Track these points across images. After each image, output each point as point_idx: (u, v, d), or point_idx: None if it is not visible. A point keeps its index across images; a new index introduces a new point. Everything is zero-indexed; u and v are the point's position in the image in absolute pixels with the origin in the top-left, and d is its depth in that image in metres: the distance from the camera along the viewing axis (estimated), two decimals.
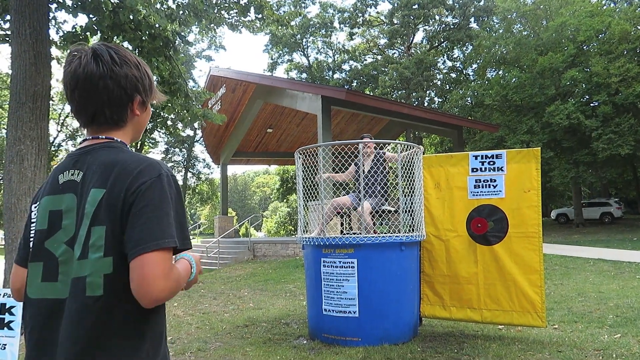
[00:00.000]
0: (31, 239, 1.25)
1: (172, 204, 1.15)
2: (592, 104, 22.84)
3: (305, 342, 4.93)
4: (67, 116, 32.94)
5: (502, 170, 4.98)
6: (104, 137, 1.25)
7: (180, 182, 38.40)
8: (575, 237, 19.96)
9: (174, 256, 1.24)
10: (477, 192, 5.07)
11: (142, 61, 1.30)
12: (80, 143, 1.28)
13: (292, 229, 34.99)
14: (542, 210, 5.38)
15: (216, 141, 20.69)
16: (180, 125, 32.45)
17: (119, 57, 1.22)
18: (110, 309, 1.11)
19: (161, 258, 1.09)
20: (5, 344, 3.12)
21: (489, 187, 5.02)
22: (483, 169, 5.06)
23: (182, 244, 1.15)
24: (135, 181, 1.14)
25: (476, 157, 5.12)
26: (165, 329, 1.27)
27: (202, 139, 25.71)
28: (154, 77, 6.79)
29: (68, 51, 1.26)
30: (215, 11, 6.79)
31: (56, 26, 7.87)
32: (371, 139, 5.73)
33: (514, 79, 24.26)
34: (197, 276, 1.35)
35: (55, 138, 33.00)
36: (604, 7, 24.12)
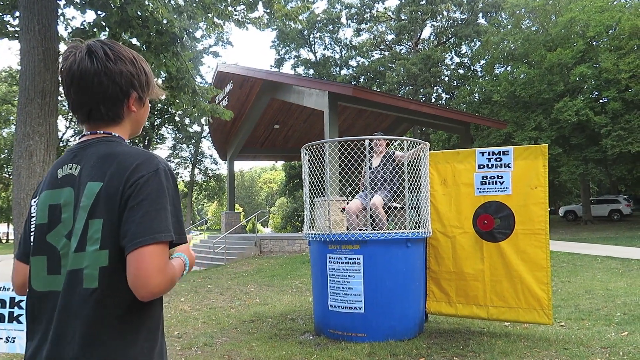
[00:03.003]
0: (32, 234, 1.26)
1: (169, 198, 1.16)
2: (601, 101, 22.63)
3: (311, 337, 4.94)
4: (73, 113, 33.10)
5: (509, 167, 4.96)
6: (101, 132, 1.26)
7: (188, 178, 38.56)
8: (583, 235, 19.83)
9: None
10: (484, 189, 5.05)
11: (138, 57, 1.30)
12: (79, 138, 1.30)
13: (299, 225, 35.04)
14: (549, 207, 5.35)
15: (223, 137, 20.73)
16: (187, 121, 32.57)
17: (113, 54, 1.23)
18: (106, 301, 1.12)
19: (158, 252, 1.10)
20: (15, 337, 3.16)
21: (496, 183, 5.00)
22: (490, 166, 5.04)
23: (178, 238, 1.16)
24: (132, 175, 1.14)
25: (483, 153, 5.10)
26: (162, 323, 1.27)
27: (209, 135, 25.76)
28: (161, 73, 6.78)
29: (67, 47, 1.27)
30: (222, 6, 6.78)
31: (65, 22, 7.91)
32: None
33: (522, 75, 24.06)
34: (193, 262, 1.36)
35: (63, 134, 33.24)
36: (614, 3, 23.83)
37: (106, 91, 1.22)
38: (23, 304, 3.24)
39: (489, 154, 5.07)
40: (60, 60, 1.26)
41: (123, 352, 1.14)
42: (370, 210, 5.29)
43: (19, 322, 3.23)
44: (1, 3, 6.99)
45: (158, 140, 37.68)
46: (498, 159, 5.02)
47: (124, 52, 1.26)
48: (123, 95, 1.25)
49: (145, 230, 1.10)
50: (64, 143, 32.97)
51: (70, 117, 33.45)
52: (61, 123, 33.58)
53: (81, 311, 1.12)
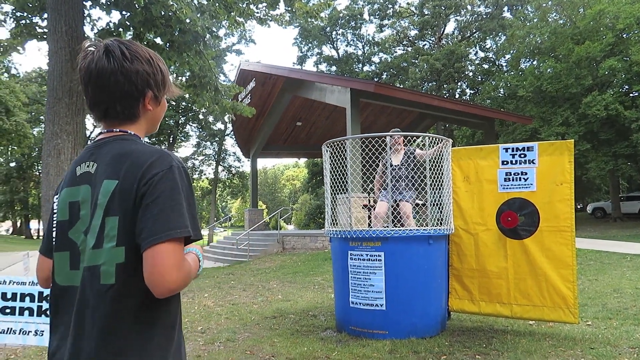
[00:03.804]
0: (54, 229, 1.29)
1: (183, 195, 1.17)
2: (632, 95, 22.00)
3: (332, 334, 4.96)
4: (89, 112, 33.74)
5: (534, 163, 4.87)
6: (118, 130, 1.29)
7: (212, 176, 38.97)
8: (612, 232, 19.35)
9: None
10: (508, 185, 4.97)
11: (155, 56, 1.32)
12: (97, 136, 1.32)
13: (322, 221, 35.08)
14: (577, 204, 5.24)
15: (246, 134, 20.88)
16: (211, 119, 32.89)
17: (130, 53, 1.25)
18: (122, 297, 1.14)
19: (174, 248, 1.11)
20: (43, 331, 3.25)
21: (520, 180, 4.92)
22: (514, 162, 4.96)
23: (195, 234, 1.17)
24: (147, 172, 1.16)
25: (507, 149, 5.02)
26: (179, 319, 1.29)
27: (232, 132, 25.98)
28: (185, 72, 6.86)
29: (84, 45, 1.29)
30: (244, 5, 6.84)
31: (91, 23, 8.08)
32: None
33: (549, 70, 23.54)
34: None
35: (91, 133, 33.92)
36: None
37: (122, 90, 1.24)
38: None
39: (512, 150, 4.99)
40: (79, 58, 1.28)
41: (139, 348, 1.16)
42: (402, 218, 5.32)
43: (47, 316, 3.32)
44: (30, 5, 7.17)
45: (182, 138, 38.17)
46: (522, 155, 4.93)
47: (141, 52, 1.27)
48: (139, 94, 1.27)
49: (161, 227, 1.11)
50: (92, 141, 33.67)
51: None
52: (89, 122, 34.28)
53: (98, 307, 1.14)
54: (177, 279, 1.10)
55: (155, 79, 1.29)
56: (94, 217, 1.19)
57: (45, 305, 3.30)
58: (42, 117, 33.11)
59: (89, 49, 1.26)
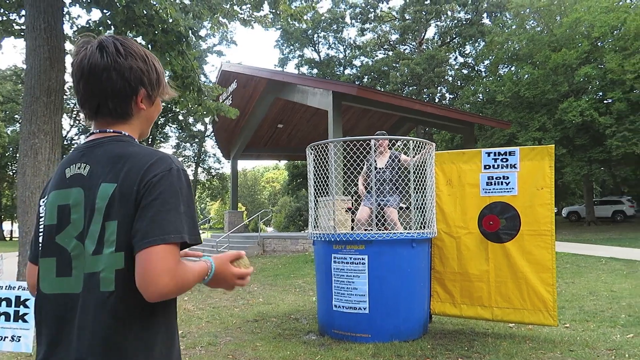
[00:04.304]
0: (40, 234, 1.24)
1: (182, 198, 1.14)
2: (606, 101, 22.54)
3: (315, 337, 4.94)
4: (79, 110, 33.21)
5: (515, 168, 4.94)
6: (111, 130, 1.24)
7: (191, 177, 38.63)
8: (586, 235, 19.76)
9: (200, 257, 1.23)
10: (490, 190, 5.03)
11: (151, 55, 1.28)
12: (88, 136, 1.27)
13: (302, 224, 35.04)
14: None
15: (227, 136, 20.74)
16: (191, 120, 32.61)
17: (124, 49, 1.21)
18: (123, 305, 1.10)
19: (167, 252, 1.07)
20: (20, 336, 3.16)
21: (502, 184, 4.99)
22: (496, 166, 5.02)
23: (193, 239, 1.14)
24: (146, 175, 1.12)
25: (489, 154, 5.08)
26: (177, 327, 1.26)
27: (213, 134, 25.80)
28: (166, 72, 6.79)
29: (78, 41, 1.25)
30: (228, 6, 6.79)
31: (70, 21, 7.93)
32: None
33: (526, 76, 23.99)
34: (231, 276, 1.27)
35: (67, 132, 33.31)
36: (620, 3, 23.74)
37: (114, 86, 1.20)
38: (29, 303, 3.24)
39: (495, 155, 5.05)
40: (72, 53, 1.24)
41: (143, 356, 1.13)
42: (390, 225, 5.35)
43: (25, 322, 3.23)
44: (7, 1, 7.00)
45: (162, 139, 37.75)
46: (504, 160, 5.00)
47: (136, 49, 1.24)
48: (131, 91, 1.23)
49: (155, 230, 1.07)
50: (68, 142, 33.06)
51: (74, 116, 33.52)
52: (65, 122, 33.66)
53: (99, 316, 1.10)
54: (168, 283, 1.06)
55: (149, 77, 1.25)
56: (92, 223, 1.14)
57: (22, 310, 3.21)
58: (16, 116, 32.40)
59: (82, 44, 1.22)
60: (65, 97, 8.56)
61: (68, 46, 7.33)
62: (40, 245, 1.23)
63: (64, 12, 6.74)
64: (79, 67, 1.20)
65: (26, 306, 3.26)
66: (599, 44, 23.12)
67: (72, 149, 1.28)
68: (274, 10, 7.06)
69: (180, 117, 34.42)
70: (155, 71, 1.28)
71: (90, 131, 1.27)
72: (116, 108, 1.23)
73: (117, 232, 1.11)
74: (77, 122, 34.25)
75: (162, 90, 1.32)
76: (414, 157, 5.07)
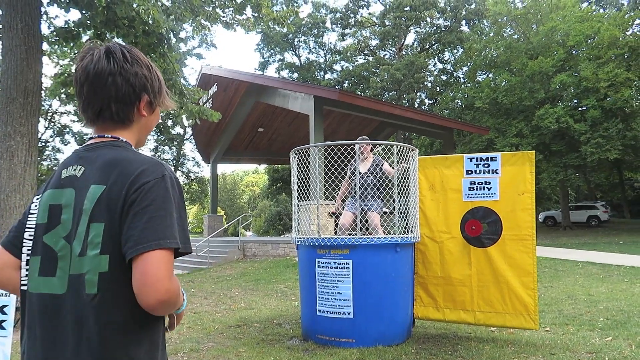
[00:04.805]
0: (29, 230, 1.24)
1: (174, 205, 1.14)
2: (581, 108, 23.07)
3: (298, 343, 4.91)
4: (55, 112, 32.53)
5: (497, 173, 5.00)
6: (109, 135, 1.25)
7: None
8: (562, 240, 20.15)
9: None
10: (472, 195, 5.08)
11: (154, 65, 1.32)
12: (87, 141, 1.28)
13: (282, 228, 34.88)
14: None
15: (207, 139, 20.58)
16: (170, 122, 32.23)
17: (131, 56, 1.24)
18: (107, 309, 1.09)
19: (164, 258, 1.06)
20: None
21: (484, 189, 5.04)
22: (478, 172, 5.07)
23: (184, 247, 1.13)
24: (137, 180, 1.12)
25: (471, 159, 5.13)
26: (163, 338, 1.24)
27: (192, 137, 25.55)
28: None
29: (83, 47, 1.26)
30: (211, 8, 6.74)
31: (47, 21, 7.77)
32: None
33: (504, 82, 24.41)
34: (182, 314, 1.32)
35: (42, 134, 32.60)
36: (594, 13, 24.37)
37: (119, 90, 1.22)
38: (7, 310, 3.13)
39: (477, 160, 5.10)
40: (77, 59, 1.26)
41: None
42: (374, 230, 5.36)
43: (2, 329, 3.13)
44: None
45: None
46: (486, 165, 5.05)
47: (142, 57, 1.28)
48: (135, 97, 1.25)
49: (150, 236, 1.06)
50: (43, 143, 32.34)
51: (50, 118, 32.82)
52: (40, 124, 32.97)
53: (83, 317, 1.09)
54: (169, 288, 1.06)
55: (152, 85, 1.28)
56: (79, 224, 1.14)
57: (0, 316, 3.11)
58: None
59: (88, 50, 1.24)
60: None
61: (45, 46, 7.18)
62: (28, 242, 1.23)
63: (42, 12, 6.60)
64: (84, 71, 1.22)
65: (4, 313, 3.15)
66: (574, 52, 23.67)
67: (72, 152, 1.29)
68: (257, 14, 7.03)
69: (159, 120, 34.01)
70: (158, 80, 1.31)
71: (90, 136, 1.29)
72: (118, 112, 1.24)
73: (103, 235, 1.10)
74: (53, 124, 33.56)
75: (163, 99, 1.34)
76: (398, 163, 5.08)
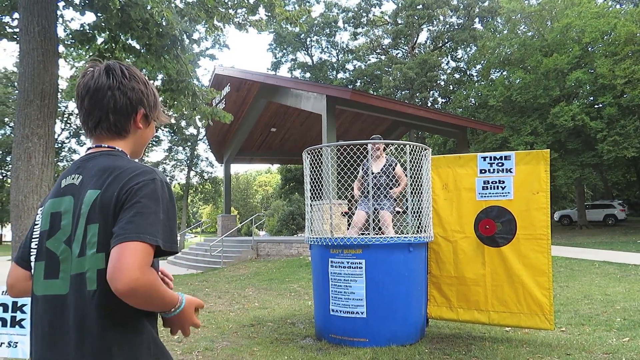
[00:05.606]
0: (34, 240, 1.33)
1: (162, 206, 1.20)
2: (597, 106, 22.77)
3: (312, 342, 4.92)
4: (70, 114, 32.97)
5: (511, 172, 4.96)
6: (106, 145, 1.34)
7: (183, 181, 38.49)
8: (578, 239, 19.90)
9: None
10: (486, 194, 5.05)
11: (150, 82, 1.42)
12: (85, 152, 1.37)
13: (295, 228, 34.96)
14: None
15: (220, 140, 20.70)
16: (183, 124, 32.49)
17: (129, 73, 1.35)
18: (106, 304, 1.16)
19: (141, 250, 1.11)
20: (17, 342, 3.12)
21: (498, 188, 5.00)
22: (491, 171, 5.04)
23: (168, 246, 1.18)
24: (129, 182, 1.20)
25: (484, 158, 5.10)
26: (157, 333, 1.30)
27: (205, 137, 25.72)
28: (162, 76, 6.78)
29: (86, 62, 1.36)
30: (224, 9, 6.77)
31: (63, 24, 7.87)
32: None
33: (518, 80, 24.18)
34: (192, 318, 1.34)
35: (59, 135, 33.05)
36: (610, 9, 24.01)
37: (117, 102, 1.31)
38: (26, 309, 3.20)
39: (490, 159, 5.07)
40: (79, 76, 1.36)
41: (130, 356, 1.18)
42: (386, 229, 5.35)
43: (22, 327, 3.19)
44: (0, 4, 6.95)
45: (153, 143, 37.54)
46: (500, 164, 5.02)
47: (139, 74, 1.38)
48: (132, 109, 1.34)
49: (132, 229, 1.12)
50: (59, 144, 32.79)
51: (66, 119, 33.28)
52: (57, 125, 33.46)
53: (86, 313, 1.16)
54: (138, 278, 1.08)
55: (148, 99, 1.38)
56: (77, 227, 1.22)
57: (19, 315, 3.17)
58: (6, 119, 32.07)
59: (90, 67, 1.34)
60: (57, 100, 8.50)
61: (61, 49, 7.29)
62: (34, 250, 1.32)
63: (58, 15, 6.69)
64: (85, 86, 1.32)
65: (23, 311, 3.22)
66: (589, 49, 23.36)
67: (72, 163, 1.39)
68: (269, 14, 7.05)
69: (172, 121, 34.28)
70: (153, 95, 1.41)
71: (88, 146, 1.38)
72: (116, 123, 1.33)
73: (98, 235, 1.18)
74: (69, 125, 33.99)
75: (158, 114, 1.44)
76: (410, 162, 5.07)
